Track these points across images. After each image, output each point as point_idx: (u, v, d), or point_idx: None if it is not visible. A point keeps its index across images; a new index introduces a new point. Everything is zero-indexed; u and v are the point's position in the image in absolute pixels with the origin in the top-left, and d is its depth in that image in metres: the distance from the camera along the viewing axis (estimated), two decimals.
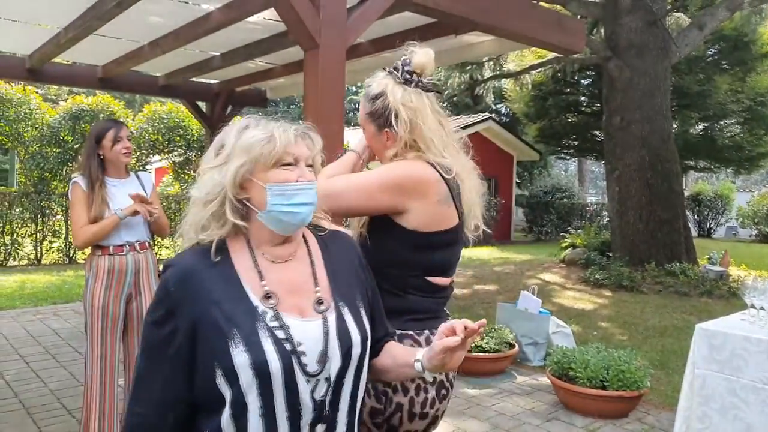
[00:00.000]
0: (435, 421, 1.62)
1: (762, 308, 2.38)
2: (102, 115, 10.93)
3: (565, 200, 18.77)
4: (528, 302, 5.17)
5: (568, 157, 24.06)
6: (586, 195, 25.00)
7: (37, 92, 11.34)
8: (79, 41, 4.35)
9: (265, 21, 4.19)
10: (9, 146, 11.33)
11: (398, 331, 1.53)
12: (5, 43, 5.35)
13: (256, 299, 1.16)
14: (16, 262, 10.62)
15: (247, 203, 1.19)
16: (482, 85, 13.94)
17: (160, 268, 3.08)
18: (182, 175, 12.66)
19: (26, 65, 5.36)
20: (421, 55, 1.64)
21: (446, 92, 14.27)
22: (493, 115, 20.18)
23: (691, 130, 16.19)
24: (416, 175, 1.57)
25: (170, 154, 12.45)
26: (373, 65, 4.52)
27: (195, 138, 12.13)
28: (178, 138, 12.11)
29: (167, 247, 11.08)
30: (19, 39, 4.94)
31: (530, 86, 15.97)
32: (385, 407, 1.55)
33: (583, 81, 16.81)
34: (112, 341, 2.92)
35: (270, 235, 1.21)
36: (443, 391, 1.60)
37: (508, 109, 23.19)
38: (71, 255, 11.07)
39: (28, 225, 10.75)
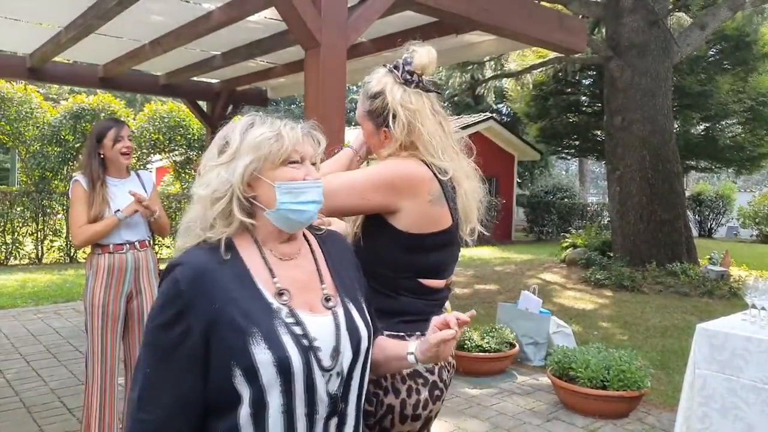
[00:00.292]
0: (428, 422, 1.59)
1: (763, 308, 2.37)
2: (103, 115, 10.95)
3: (566, 200, 18.77)
4: (528, 302, 5.17)
5: (569, 157, 24.04)
6: (587, 195, 25.01)
7: (38, 91, 11.36)
8: (79, 40, 4.36)
9: (265, 20, 4.19)
10: (10, 145, 11.35)
11: (389, 333, 1.51)
12: (6, 43, 5.35)
13: (269, 296, 1.16)
14: (17, 261, 10.64)
15: (254, 201, 1.19)
16: (483, 84, 13.95)
17: (161, 267, 3.10)
18: (183, 175, 12.68)
19: (27, 64, 5.36)
20: (423, 54, 1.61)
21: (447, 92, 14.28)
22: (494, 114, 20.18)
23: (692, 130, 16.19)
24: (408, 174, 1.54)
25: (171, 154, 12.46)
26: (374, 64, 4.50)
27: (196, 137, 12.15)
28: (179, 137, 12.12)
29: (168, 246, 11.09)
30: (20, 38, 4.95)
31: (531, 86, 15.98)
32: (376, 409, 1.52)
33: (584, 81, 16.81)
34: (112, 340, 2.92)
35: (276, 233, 1.22)
36: (437, 392, 1.57)
37: (509, 109, 23.20)
38: (72, 254, 11.08)
39: (29, 224, 10.76)
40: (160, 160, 13.22)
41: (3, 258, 10.44)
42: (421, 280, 1.59)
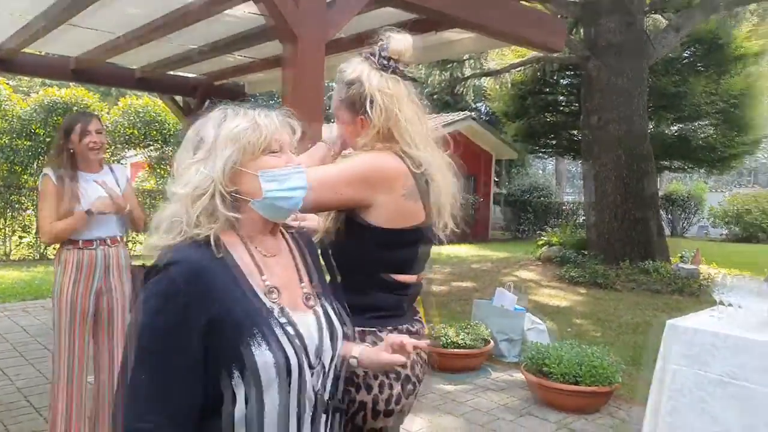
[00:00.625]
0: (401, 417, 1.59)
1: (730, 305, 2.43)
2: (76, 108, 10.72)
3: (542, 199, 18.98)
4: (504, 299, 5.21)
5: (546, 157, 24.30)
6: (562, 194, 25.30)
7: (7, 83, 11.07)
8: (51, 31, 4.26)
9: (244, 14, 4.14)
10: None
11: (361, 328, 1.51)
12: None
13: (263, 295, 1.15)
14: None
15: (237, 195, 1.16)
16: (462, 83, 14.01)
17: (133, 263, 3.05)
18: (158, 170, 12.50)
19: None
20: (399, 40, 1.59)
21: (426, 90, 14.31)
22: (473, 113, 20.28)
23: (666, 131, 16.47)
24: (383, 168, 1.53)
25: (146, 149, 12.27)
26: None
27: (171, 132, 11.97)
28: (155, 132, 11.94)
29: (141, 243, 10.93)
30: None
31: (510, 85, 16.09)
32: (348, 406, 1.51)
33: (562, 80, 16.98)
34: (80, 337, 2.86)
35: (261, 226, 1.20)
36: (409, 386, 1.57)
37: (487, 108, 23.32)
38: (42, 251, 10.84)
39: None
40: (135, 155, 13.01)
41: None
42: (394, 276, 1.58)
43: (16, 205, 10.61)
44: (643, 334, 6.06)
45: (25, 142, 10.61)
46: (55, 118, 10.57)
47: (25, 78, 19.12)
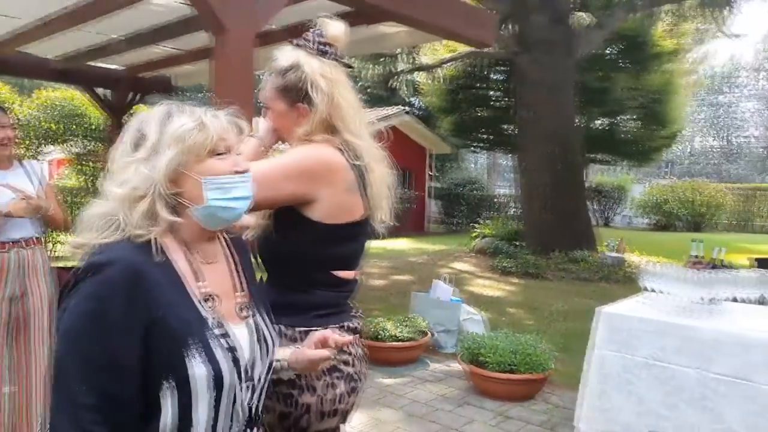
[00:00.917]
0: (346, 416, 1.57)
1: (653, 291, 2.54)
2: None
3: (475, 192, 19.38)
4: (440, 291, 5.28)
5: (479, 151, 24.79)
6: (495, 187, 25.91)
7: None
8: None
9: (170, 3, 3.98)
10: None
11: (303, 328, 1.47)
12: None
13: (199, 304, 1.09)
14: None
15: (179, 198, 1.09)
16: (396, 77, 14.08)
17: (52, 265, 2.87)
18: (81, 167, 11.86)
19: None
20: (335, 26, 1.56)
21: (360, 84, 14.30)
22: (408, 108, 20.43)
23: (592, 125, 17.18)
24: (324, 161, 1.48)
25: (67, 144, 11.62)
26: None
27: (94, 127, 11.38)
28: (76, 127, 11.32)
29: (61, 243, 10.36)
30: None
31: (443, 80, 16.30)
32: (292, 411, 1.47)
33: (493, 76, 17.35)
34: None
35: (201, 232, 1.14)
36: (353, 384, 1.54)
37: (421, 103, 23.56)
38: None
39: None
40: (54, 151, 12.29)
41: None
42: (334, 272, 1.55)
43: None
44: (573, 321, 6.29)
45: None
46: None
47: None
